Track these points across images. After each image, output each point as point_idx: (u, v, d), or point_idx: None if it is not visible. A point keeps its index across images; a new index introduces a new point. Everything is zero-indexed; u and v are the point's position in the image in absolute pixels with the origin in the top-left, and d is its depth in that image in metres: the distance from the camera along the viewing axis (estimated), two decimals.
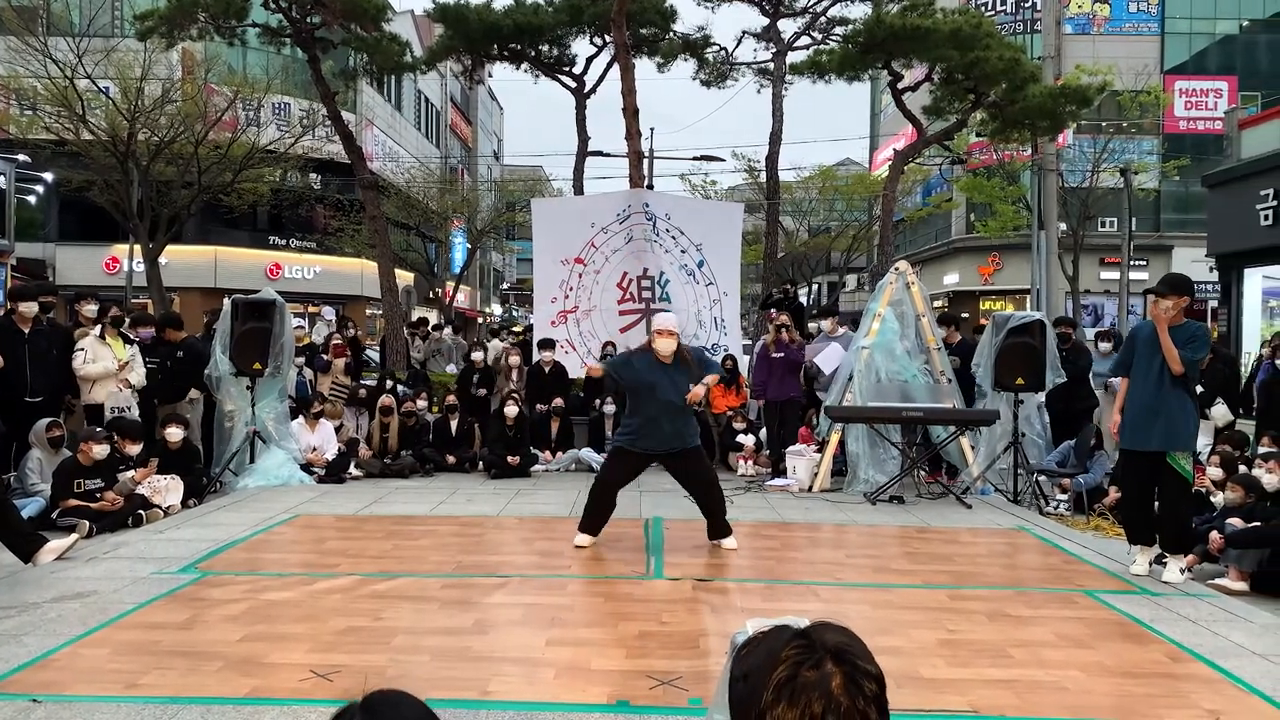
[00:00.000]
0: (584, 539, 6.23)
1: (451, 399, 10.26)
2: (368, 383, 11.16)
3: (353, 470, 9.29)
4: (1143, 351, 5.66)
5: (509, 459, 9.31)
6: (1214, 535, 5.98)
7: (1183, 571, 5.62)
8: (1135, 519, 5.86)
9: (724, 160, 47.70)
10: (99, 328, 8.12)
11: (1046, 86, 14.30)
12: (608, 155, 22.50)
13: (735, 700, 1.18)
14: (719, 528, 6.30)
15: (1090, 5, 31.56)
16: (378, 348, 15.78)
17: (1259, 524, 5.86)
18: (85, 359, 7.88)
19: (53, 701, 3.46)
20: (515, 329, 23.82)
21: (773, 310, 11.49)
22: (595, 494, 6.31)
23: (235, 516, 7.14)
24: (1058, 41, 17.70)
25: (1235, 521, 6.01)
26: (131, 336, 8.56)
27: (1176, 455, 5.51)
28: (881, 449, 8.89)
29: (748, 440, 10.08)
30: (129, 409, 8.16)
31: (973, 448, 8.93)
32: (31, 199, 22.44)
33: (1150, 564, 5.73)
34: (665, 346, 6.07)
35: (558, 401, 10.37)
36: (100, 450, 6.91)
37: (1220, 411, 9.18)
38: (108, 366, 7.93)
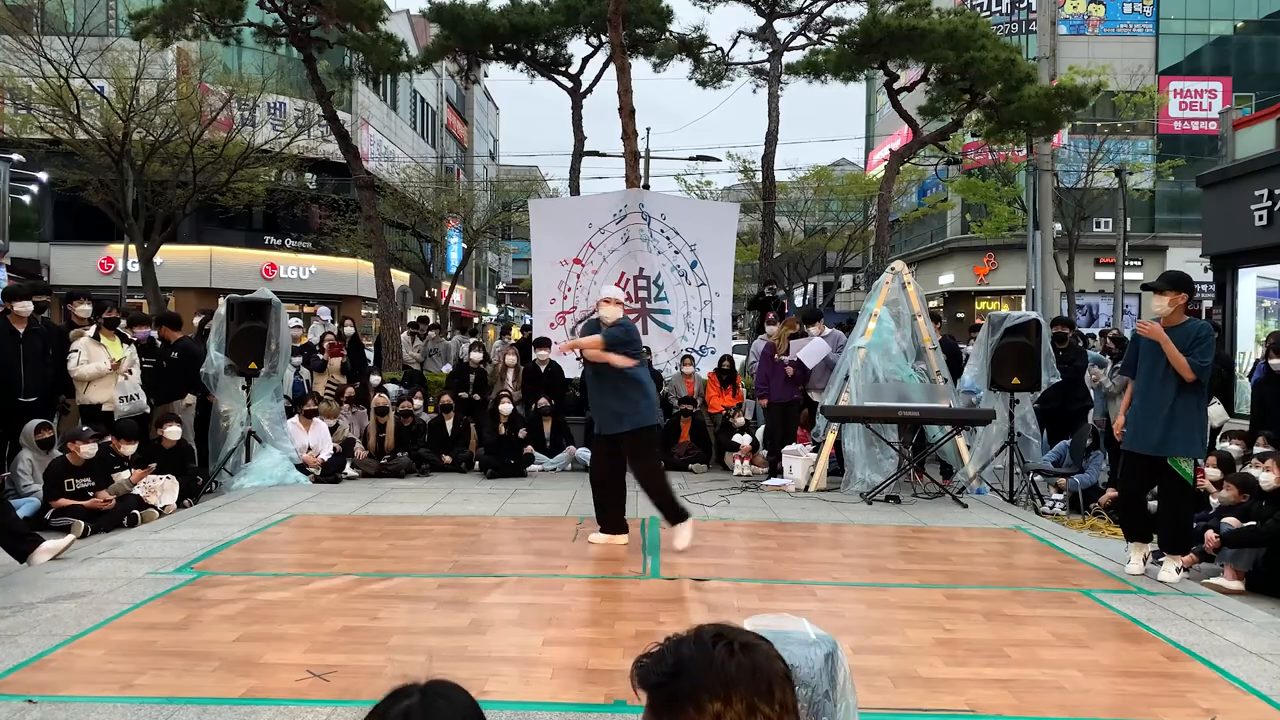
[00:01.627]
0: (599, 537, 6.31)
1: (447, 399, 10.25)
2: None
3: (348, 470, 9.28)
4: (1145, 353, 5.65)
5: (513, 439, 9.47)
6: (1209, 534, 5.98)
7: (1179, 571, 5.63)
8: (1131, 516, 5.86)
9: (720, 160, 47.57)
10: (94, 328, 8.10)
11: (1042, 87, 14.30)
12: (604, 155, 22.53)
13: (667, 698, 1.20)
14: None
15: (1085, 6, 31.65)
16: (373, 348, 15.76)
17: (1255, 523, 5.87)
18: (80, 359, 7.86)
19: (48, 702, 3.45)
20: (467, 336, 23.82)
21: (771, 313, 11.45)
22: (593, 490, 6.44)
23: (231, 517, 7.12)
24: (1053, 42, 17.71)
25: (1231, 520, 6.02)
26: (129, 336, 8.54)
27: (1177, 458, 5.50)
28: (878, 449, 8.89)
29: (744, 440, 10.08)
30: (137, 396, 8.18)
31: (969, 447, 8.93)
32: (26, 199, 22.38)
33: (1145, 561, 5.74)
34: (610, 314, 6.10)
35: (542, 402, 10.32)
36: (88, 450, 6.89)
37: (1216, 411, 9.20)
38: (100, 367, 7.91)
